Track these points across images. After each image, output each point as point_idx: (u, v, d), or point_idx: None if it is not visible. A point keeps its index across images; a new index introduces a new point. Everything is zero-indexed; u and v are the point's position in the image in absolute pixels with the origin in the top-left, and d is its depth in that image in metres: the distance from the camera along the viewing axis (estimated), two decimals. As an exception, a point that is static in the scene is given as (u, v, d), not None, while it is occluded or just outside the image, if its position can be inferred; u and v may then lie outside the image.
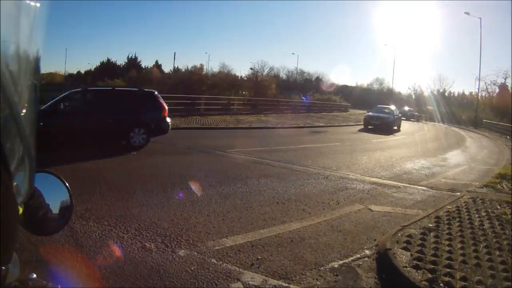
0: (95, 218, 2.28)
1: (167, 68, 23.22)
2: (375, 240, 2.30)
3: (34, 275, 0.31)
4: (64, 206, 0.37)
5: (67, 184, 0.37)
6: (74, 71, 25.90)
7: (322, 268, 1.89)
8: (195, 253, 2.06)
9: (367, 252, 2.10)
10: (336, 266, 1.92)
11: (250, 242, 2.24)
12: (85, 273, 1.92)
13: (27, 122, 0.18)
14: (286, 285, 1.66)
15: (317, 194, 3.45)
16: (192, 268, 1.83)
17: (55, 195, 0.37)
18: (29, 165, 0.21)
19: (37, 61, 0.22)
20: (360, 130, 10.23)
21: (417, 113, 17.86)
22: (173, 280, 1.71)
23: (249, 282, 1.69)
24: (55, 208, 0.37)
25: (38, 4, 0.21)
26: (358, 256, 2.05)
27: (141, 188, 3.11)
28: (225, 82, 16.05)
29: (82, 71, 24.68)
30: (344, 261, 1.98)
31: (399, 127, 11.37)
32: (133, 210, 2.61)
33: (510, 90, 20.34)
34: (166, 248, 2.11)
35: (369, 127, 10.47)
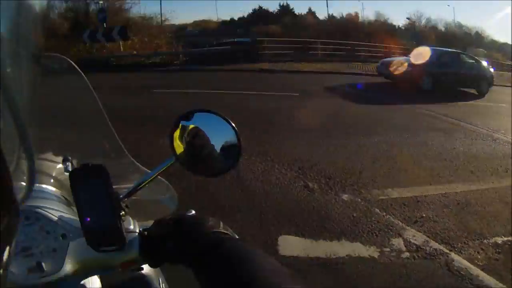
0: (258, 154, 4.05)
1: (321, 15, 39.63)
2: None
3: (193, 212, 0.67)
4: (231, 146, 0.75)
5: (232, 124, 0.72)
6: (227, 18, 46.71)
7: (485, 241, 3.10)
8: (359, 199, 3.43)
9: None
10: (499, 242, 3.12)
11: (416, 197, 3.62)
12: (244, 205, 3.25)
13: (27, 117, 0.35)
14: (447, 251, 2.85)
15: (485, 157, 5.23)
16: (354, 215, 3.13)
17: (220, 136, 0.76)
18: (29, 164, 0.39)
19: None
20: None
21: None
22: (333, 223, 2.94)
23: (410, 239, 2.96)
24: (219, 149, 0.76)
25: None
26: None
27: (306, 128, 6.25)
28: (382, 30, 30.92)
29: (236, 18, 46.36)
30: (509, 238, 3.19)
31: None
32: (296, 150, 4.48)
33: None
34: (330, 191, 3.43)
35: None
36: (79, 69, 0.99)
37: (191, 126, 0.77)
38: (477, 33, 44.27)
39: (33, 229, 0.76)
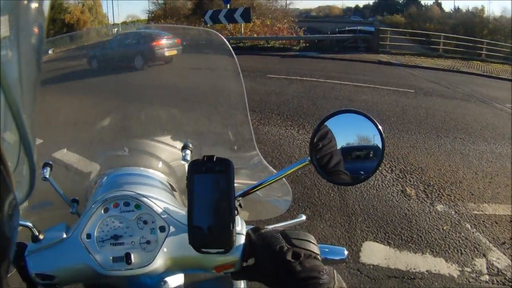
0: None
1: (447, 7, 41.64)
2: None
3: (304, 217, 0.94)
4: (373, 151, 0.81)
5: (379, 127, 0.79)
6: (352, 4, 49.08)
7: None
8: (453, 212, 3.98)
9: None
10: None
11: (510, 216, 3.99)
12: (337, 205, 3.77)
13: (27, 118, 0.40)
14: None
15: None
16: (445, 228, 3.74)
17: (363, 139, 0.82)
18: (29, 164, 0.44)
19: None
20: None
21: None
22: (421, 234, 3.58)
23: (494, 262, 3.33)
24: (354, 154, 0.81)
25: None
26: None
27: (414, 128, 6.55)
28: (507, 28, 29.06)
29: (361, 5, 50.79)
30: None
31: None
32: (402, 151, 5.12)
33: None
34: (426, 199, 4.10)
35: None
36: (233, 53, 1.05)
37: (324, 128, 0.80)
38: None
39: (130, 216, 0.78)
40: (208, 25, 16.98)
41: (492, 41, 22.16)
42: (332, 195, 4.10)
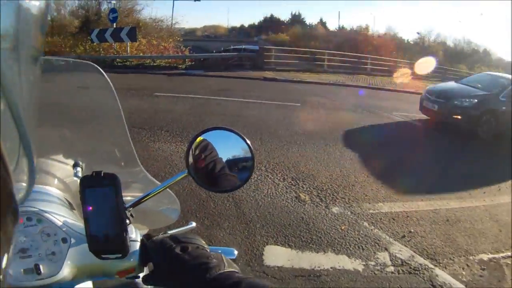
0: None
1: (332, 26, 45.79)
2: None
3: (193, 224, 1.06)
4: (244, 163, 0.92)
5: (248, 142, 0.90)
6: (237, 24, 56.33)
7: (471, 257, 3.87)
8: (349, 212, 4.38)
9: None
10: (485, 259, 3.88)
11: (405, 212, 4.61)
12: (233, 214, 3.91)
13: (27, 118, 0.42)
14: (432, 267, 3.57)
15: (479, 173, 6.56)
16: (343, 228, 4.05)
17: (234, 152, 0.92)
18: (29, 164, 0.46)
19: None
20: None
21: None
22: (321, 235, 3.86)
23: (396, 254, 3.68)
24: (232, 165, 0.92)
25: None
26: (510, 254, 4.04)
27: (302, 139, 7.11)
28: (391, 44, 36.64)
29: (246, 25, 56.25)
30: (494, 255, 3.96)
31: None
32: (292, 160, 5.78)
33: None
34: (320, 202, 4.44)
35: None
36: (105, 74, 1.14)
37: (203, 142, 0.89)
38: (485, 50, 53.10)
39: (34, 230, 0.84)
40: (95, 43, 18.19)
41: (377, 56, 25.83)
42: (227, 205, 4.26)
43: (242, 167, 0.94)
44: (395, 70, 23.42)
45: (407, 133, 9.65)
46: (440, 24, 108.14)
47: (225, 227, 3.82)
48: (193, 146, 0.90)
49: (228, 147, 0.92)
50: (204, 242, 0.88)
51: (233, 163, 0.93)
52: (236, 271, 0.77)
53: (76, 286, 0.90)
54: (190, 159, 0.91)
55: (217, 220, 3.93)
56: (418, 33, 48.47)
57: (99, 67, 1.16)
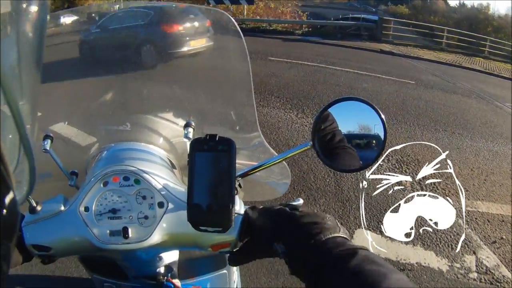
0: None
1: (452, 2, 40.25)
2: None
3: (301, 200, 0.81)
4: (375, 139, 0.86)
5: (382, 116, 0.84)
6: None
7: None
8: None
9: None
10: None
11: (502, 215, 4.36)
12: (332, 190, 4.01)
13: (27, 118, 0.44)
14: None
15: None
16: None
17: (365, 126, 0.87)
18: (29, 163, 0.47)
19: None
20: None
21: None
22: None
23: (483, 260, 3.59)
24: (359, 141, 0.87)
25: None
26: None
27: (413, 119, 7.20)
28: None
29: None
30: None
31: None
32: (400, 141, 5.87)
33: None
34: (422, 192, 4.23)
35: None
36: (241, 34, 1.09)
37: (329, 115, 0.84)
38: None
39: (129, 191, 0.82)
40: (211, 5, 17.61)
41: (496, 39, 23.50)
42: (327, 180, 4.33)
43: (369, 144, 0.88)
44: None
45: None
46: None
47: (321, 203, 3.94)
48: (321, 118, 0.85)
49: (358, 120, 0.87)
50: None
51: (361, 138, 0.88)
52: (348, 238, 0.72)
53: (161, 254, 0.90)
54: (316, 131, 0.85)
55: (314, 195, 4.03)
56: None
57: (233, 19, 1.12)
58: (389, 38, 18.20)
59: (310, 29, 18.75)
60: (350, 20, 21.59)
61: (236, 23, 1.11)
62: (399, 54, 15.65)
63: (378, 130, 0.87)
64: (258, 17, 19.62)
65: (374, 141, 0.88)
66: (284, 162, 1.02)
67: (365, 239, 3.66)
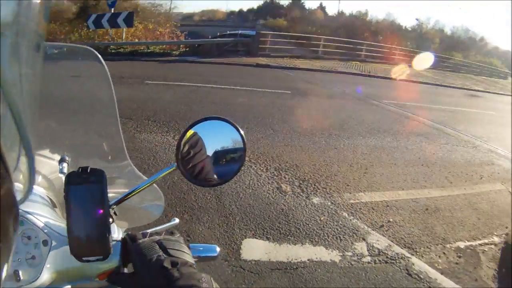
0: None
1: (331, 11, 49.64)
2: (506, 227, 4.72)
3: (177, 220, 1.09)
4: (233, 154, 0.96)
5: (241, 132, 0.93)
6: (236, 9, 58.58)
7: (448, 245, 4.14)
8: (329, 203, 4.59)
9: (496, 239, 4.46)
10: (462, 246, 4.18)
11: (385, 201, 4.85)
12: (214, 207, 4.04)
13: (27, 118, 0.44)
14: (409, 255, 3.80)
15: (463, 163, 7.11)
16: (322, 219, 4.27)
17: (223, 142, 0.95)
18: (29, 164, 0.47)
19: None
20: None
21: None
22: (299, 227, 4.00)
23: (374, 244, 3.89)
24: (221, 156, 0.96)
25: None
26: (486, 241, 4.37)
27: (289, 128, 7.46)
28: (388, 30, 40.90)
29: (245, 9, 58.20)
30: (471, 243, 4.28)
31: None
32: (277, 149, 6.05)
33: None
34: (301, 193, 4.65)
35: None
36: (102, 60, 1.16)
37: (194, 135, 0.92)
38: (482, 38, 57.34)
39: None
40: (91, 30, 18.34)
41: (373, 43, 27.65)
42: (208, 197, 4.41)
43: (231, 159, 0.97)
44: (390, 57, 25.61)
45: (394, 121, 10.07)
46: (440, 11, 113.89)
47: (205, 221, 3.98)
48: (184, 139, 0.92)
49: (219, 138, 0.96)
50: (189, 252, 0.89)
51: (223, 154, 0.97)
52: None
53: None
54: (180, 153, 0.93)
55: (197, 214, 4.07)
56: (417, 19, 53.39)
57: (97, 53, 1.16)
58: (266, 52, 19.36)
59: (188, 49, 19.25)
60: (227, 36, 23.21)
61: (99, 56, 1.16)
62: (275, 66, 16.80)
63: (238, 144, 0.96)
64: (136, 40, 19.73)
65: (235, 156, 0.97)
66: (155, 185, 1.08)
67: (253, 247, 3.76)
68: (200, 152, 0.94)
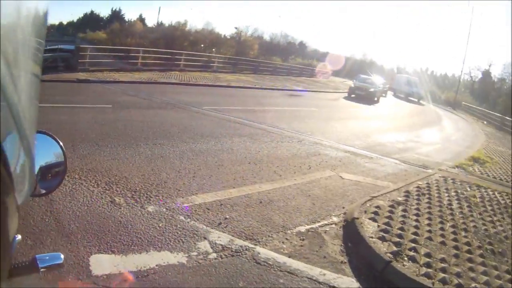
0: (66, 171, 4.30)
1: (151, 22, 52.71)
2: (343, 208, 6.16)
3: (19, 236, 0.88)
4: (56, 167, 1.06)
5: (61, 144, 1.04)
6: (56, 21, 56.50)
7: (289, 231, 5.07)
8: (164, 209, 5.30)
9: (335, 219, 5.68)
10: (303, 230, 5.17)
11: (219, 201, 5.79)
12: (54, 228, 4.17)
13: (27, 120, 0.48)
14: (252, 246, 4.53)
15: (290, 157, 8.92)
16: (160, 225, 4.84)
17: (47, 156, 1.03)
18: (29, 164, 0.53)
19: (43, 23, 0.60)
20: (344, 98, 27.23)
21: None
22: (140, 236, 4.54)
23: (216, 241, 4.56)
24: (45, 171, 1.04)
25: None
26: (326, 222, 5.52)
27: (114, 141, 7.69)
28: (207, 39, 42.12)
29: (64, 22, 57.75)
30: (311, 226, 5.34)
31: (379, 99, 30.50)
32: (105, 164, 6.37)
33: (492, 78, 57.05)
34: (136, 204, 5.38)
35: (352, 95, 28.08)
36: None
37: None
38: (301, 43, 65.76)
39: None
40: None
41: (192, 52, 31.40)
42: (47, 220, 4.35)
43: (55, 173, 1.04)
44: (209, 65, 29.15)
45: (216, 126, 11.18)
46: (260, 20, 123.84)
47: (48, 244, 4.01)
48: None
49: (41, 151, 0.99)
50: None
51: (46, 169, 1.01)
52: None
53: None
54: None
55: (39, 238, 4.09)
56: (235, 27, 56.53)
57: None
58: (85, 66, 19.79)
59: None
60: (46, 52, 21.54)
61: None
62: (95, 81, 17.34)
63: (59, 157, 1.02)
64: None
65: (58, 169, 1.03)
66: None
67: (101, 262, 3.77)
68: None
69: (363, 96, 27.93)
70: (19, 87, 0.49)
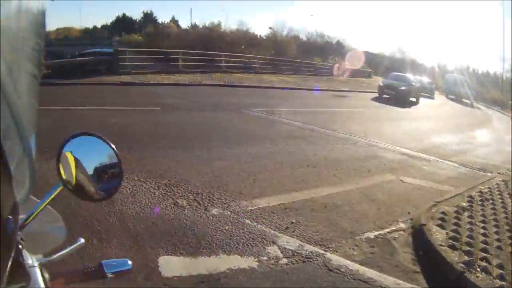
0: (125, 173, 3.87)
1: (184, 24, 51.46)
2: (409, 213, 5.82)
3: (82, 240, 1.21)
4: (112, 169, 1.07)
5: (113, 146, 1.03)
6: (90, 25, 60.03)
7: (357, 237, 4.79)
8: (228, 212, 5.11)
9: (402, 225, 5.36)
10: (371, 237, 4.90)
11: (283, 204, 5.54)
12: (119, 229, 4.06)
13: (27, 120, 0.49)
14: (323, 252, 4.30)
15: (347, 160, 8.62)
16: (227, 228, 4.65)
17: (101, 159, 1.06)
18: (29, 164, 0.53)
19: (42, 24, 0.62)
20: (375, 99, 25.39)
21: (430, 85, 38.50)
22: (208, 238, 4.34)
23: (285, 246, 4.32)
24: (101, 173, 1.06)
25: None
26: (394, 228, 5.21)
27: (168, 143, 7.77)
28: (244, 40, 39.88)
29: (99, 26, 59.04)
30: (380, 232, 5.05)
31: (418, 99, 27.58)
32: (162, 166, 6.40)
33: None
34: (199, 206, 5.23)
35: (384, 96, 25.28)
36: None
37: (69, 151, 0.97)
38: (338, 42, 60.65)
39: None
40: None
41: (230, 53, 29.95)
42: (111, 221, 4.28)
43: (111, 174, 1.04)
44: (251, 66, 28.87)
45: (268, 128, 11.13)
46: (292, 19, 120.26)
47: (115, 244, 3.91)
48: (62, 158, 0.97)
49: (94, 154, 1.01)
50: None
51: (102, 170, 1.03)
52: None
53: None
54: (62, 172, 0.97)
55: (105, 238, 4.00)
56: (270, 27, 52.88)
57: None
58: (127, 69, 20.06)
59: (50, 71, 18.25)
60: (87, 55, 23.19)
61: None
62: (140, 83, 17.73)
63: (113, 158, 1.01)
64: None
65: (114, 171, 1.02)
66: (49, 207, 1.07)
67: (170, 264, 3.59)
68: (80, 171, 0.98)
69: (394, 96, 24.19)
70: (18, 87, 0.49)
